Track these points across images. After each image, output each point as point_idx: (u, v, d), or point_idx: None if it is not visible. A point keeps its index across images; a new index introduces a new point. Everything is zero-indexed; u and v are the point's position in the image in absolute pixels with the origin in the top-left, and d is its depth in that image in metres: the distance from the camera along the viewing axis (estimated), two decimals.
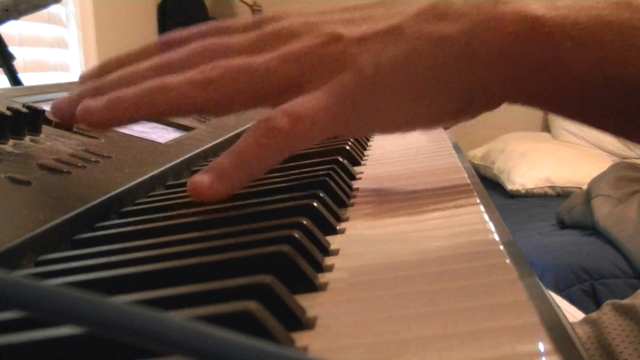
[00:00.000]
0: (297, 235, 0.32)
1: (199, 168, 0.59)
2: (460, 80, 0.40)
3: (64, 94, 0.66)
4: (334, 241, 0.36)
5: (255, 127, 0.40)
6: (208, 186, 0.39)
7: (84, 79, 0.48)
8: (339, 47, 0.41)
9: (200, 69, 0.42)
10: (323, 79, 0.41)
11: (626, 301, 0.74)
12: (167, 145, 0.60)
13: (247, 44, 0.44)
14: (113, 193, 0.44)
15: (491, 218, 0.37)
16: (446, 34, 0.40)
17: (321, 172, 0.47)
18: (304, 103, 0.40)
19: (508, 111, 0.57)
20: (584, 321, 0.74)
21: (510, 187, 2.79)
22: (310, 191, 0.42)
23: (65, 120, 0.45)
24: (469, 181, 0.47)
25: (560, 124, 3.20)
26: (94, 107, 0.43)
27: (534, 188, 2.75)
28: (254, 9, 3.38)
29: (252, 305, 0.23)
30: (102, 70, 0.47)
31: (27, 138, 0.48)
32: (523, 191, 2.76)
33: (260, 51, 0.43)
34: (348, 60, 0.40)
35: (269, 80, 0.42)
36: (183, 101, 0.42)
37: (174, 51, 0.46)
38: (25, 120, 0.48)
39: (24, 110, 0.48)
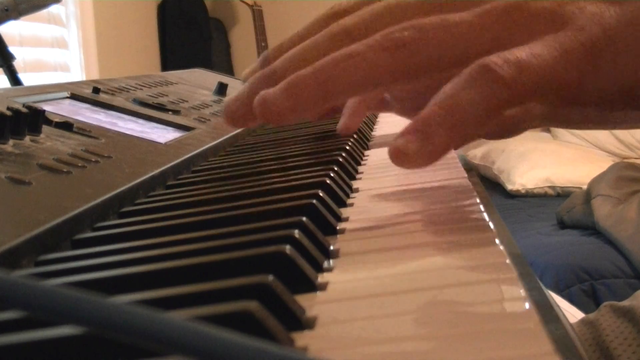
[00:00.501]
0: (297, 235, 0.32)
1: (199, 168, 0.59)
2: None
3: (64, 94, 0.66)
4: (334, 241, 0.36)
5: (471, 74, 0.34)
6: (414, 152, 0.34)
7: (247, 75, 0.43)
8: (552, 3, 0.36)
9: (388, 31, 0.36)
10: (536, 35, 0.35)
11: (624, 303, 0.74)
12: (167, 145, 0.60)
13: (436, 2, 0.38)
14: (113, 193, 0.44)
15: (491, 218, 0.37)
16: None
17: (321, 172, 0.47)
18: (524, 52, 0.34)
19: None
20: (581, 322, 0.74)
21: (510, 187, 2.79)
22: (310, 191, 0.42)
23: (242, 120, 0.40)
24: (469, 181, 0.47)
25: None
26: (273, 97, 0.37)
27: (534, 188, 2.75)
28: (254, 8, 3.38)
29: (252, 305, 0.23)
30: (266, 62, 0.42)
31: (27, 138, 0.48)
32: (523, 191, 2.76)
33: (456, 10, 0.37)
34: (567, 16, 0.35)
35: (473, 41, 0.36)
36: (374, 71, 0.36)
37: (349, 16, 0.39)
38: (25, 120, 0.48)
39: (24, 110, 0.48)
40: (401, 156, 0.34)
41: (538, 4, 0.36)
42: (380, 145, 0.71)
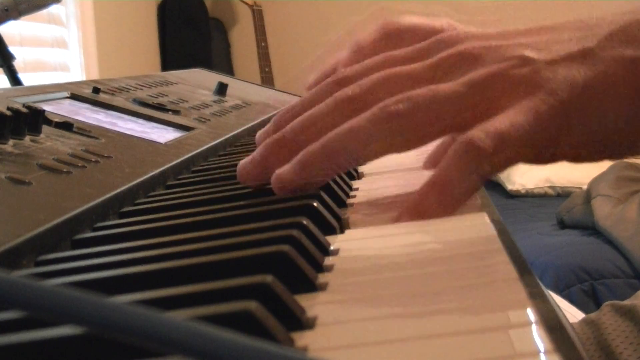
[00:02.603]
0: (297, 235, 0.32)
1: (199, 168, 0.59)
2: None
3: (64, 94, 0.66)
4: (334, 241, 0.36)
5: (456, 151, 0.38)
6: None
7: (260, 137, 0.47)
8: (529, 70, 0.39)
9: (385, 104, 0.40)
10: (514, 103, 0.39)
11: (626, 302, 0.74)
12: (167, 145, 0.60)
13: (428, 71, 0.42)
14: (113, 193, 0.44)
15: (491, 218, 0.37)
16: (638, 57, 0.38)
17: None
18: (503, 122, 0.38)
19: None
20: (583, 322, 0.74)
21: (510, 187, 2.79)
22: (310, 191, 0.42)
23: (254, 182, 0.45)
24: None
25: None
26: (288, 177, 0.42)
27: (534, 188, 2.75)
28: (254, 9, 3.38)
29: (252, 305, 0.23)
30: (277, 126, 0.46)
31: (27, 138, 0.48)
32: (523, 191, 2.76)
33: (445, 78, 0.41)
34: (540, 82, 0.39)
35: (460, 108, 0.40)
36: (375, 143, 0.40)
37: (351, 86, 0.43)
38: (25, 120, 0.48)
39: (24, 110, 0.48)
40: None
41: (517, 71, 0.40)
42: None
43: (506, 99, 0.39)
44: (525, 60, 0.40)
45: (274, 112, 0.94)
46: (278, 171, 0.42)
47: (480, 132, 0.38)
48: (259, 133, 0.49)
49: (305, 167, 0.41)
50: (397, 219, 0.39)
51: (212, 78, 1.05)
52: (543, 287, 0.28)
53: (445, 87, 0.40)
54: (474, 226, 0.36)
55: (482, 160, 0.38)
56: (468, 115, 0.40)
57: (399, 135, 0.40)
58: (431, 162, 0.54)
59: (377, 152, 0.41)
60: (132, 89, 0.79)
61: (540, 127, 0.38)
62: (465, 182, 0.38)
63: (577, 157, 0.41)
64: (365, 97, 0.42)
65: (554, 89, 0.38)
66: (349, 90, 0.43)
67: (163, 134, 0.64)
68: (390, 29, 0.51)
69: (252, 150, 0.66)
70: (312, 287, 0.29)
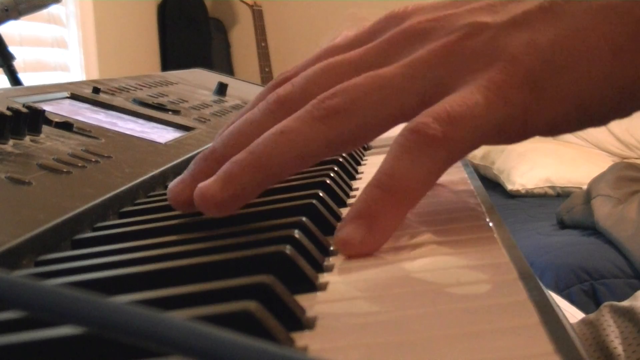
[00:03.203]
0: (297, 235, 0.32)
1: None
2: (637, 49, 0.33)
3: (64, 94, 0.66)
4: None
5: (401, 142, 0.33)
6: (359, 242, 0.32)
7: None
8: (484, 38, 0.34)
9: (318, 99, 0.35)
10: (468, 79, 0.34)
11: (624, 303, 0.74)
12: (167, 145, 0.60)
13: (370, 55, 0.37)
14: (113, 193, 0.44)
15: (491, 218, 0.37)
16: (618, 3, 0.33)
17: (321, 172, 0.47)
18: (454, 102, 0.33)
19: None
20: (581, 322, 0.74)
21: (510, 187, 2.78)
22: (310, 191, 0.42)
23: (185, 206, 0.38)
24: (469, 181, 0.47)
25: None
26: (210, 189, 0.35)
27: (534, 188, 2.75)
28: (254, 8, 3.38)
29: (252, 305, 0.23)
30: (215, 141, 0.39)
31: (27, 138, 0.48)
32: (523, 191, 2.76)
33: (388, 62, 0.36)
34: (497, 50, 0.34)
35: (406, 92, 0.34)
36: (309, 146, 0.35)
37: (283, 86, 0.38)
38: (25, 120, 0.48)
39: (24, 110, 0.48)
40: (350, 248, 0.33)
41: (468, 42, 0.35)
42: (380, 145, 0.71)
43: (459, 76, 0.34)
44: (478, 27, 0.35)
45: None
46: (200, 185, 0.36)
47: (425, 117, 0.33)
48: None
49: (230, 179, 0.35)
50: (340, 230, 0.33)
51: (212, 78, 1.05)
52: (543, 287, 0.28)
53: (385, 71, 0.35)
54: (474, 226, 0.36)
55: (433, 150, 0.32)
56: (416, 101, 0.34)
57: (337, 132, 0.35)
58: None
59: (314, 154, 0.35)
60: (132, 89, 0.79)
61: (502, 101, 0.33)
62: (417, 179, 0.33)
63: (553, 129, 0.35)
64: (299, 95, 0.37)
65: (514, 55, 0.33)
66: (280, 89, 0.38)
67: (163, 134, 0.64)
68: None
69: None
70: (312, 287, 0.29)
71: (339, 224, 0.34)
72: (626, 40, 0.33)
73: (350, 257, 0.33)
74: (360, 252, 0.32)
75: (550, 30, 0.34)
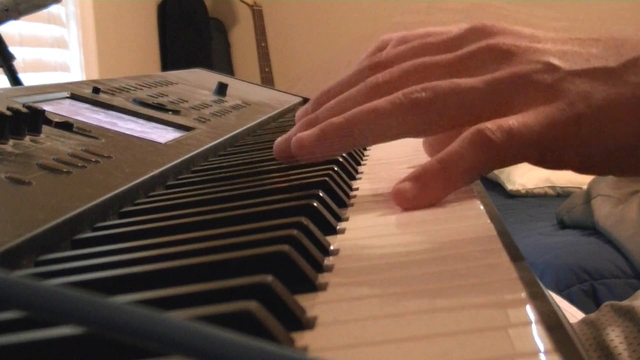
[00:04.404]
0: (297, 235, 0.32)
1: (199, 168, 0.59)
2: None
3: (64, 94, 0.66)
4: (334, 241, 0.36)
5: (468, 137, 0.40)
6: (412, 197, 0.41)
7: (299, 114, 0.51)
8: (552, 78, 0.41)
9: (408, 90, 0.43)
10: (532, 105, 0.40)
11: (625, 302, 0.74)
12: (167, 145, 0.60)
13: (456, 63, 0.44)
14: (113, 193, 0.44)
15: (491, 218, 0.37)
16: None
17: (321, 172, 0.47)
18: (517, 121, 0.40)
19: None
20: (582, 322, 0.74)
21: (510, 187, 2.78)
22: (310, 191, 0.42)
23: (288, 157, 0.48)
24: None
25: None
26: (306, 138, 0.45)
27: (534, 188, 2.75)
28: (254, 8, 3.38)
29: (252, 305, 0.23)
30: (315, 105, 0.49)
31: (27, 138, 0.48)
32: (523, 191, 2.76)
33: (469, 70, 0.43)
34: (561, 91, 0.40)
35: (479, 104, 0.42)
36: (392, 124, 0.43)
37: (382, 73, 0.46)
38: (25, 120, 0.48)
39: (24, 110, 0.48)
40: (401, 197, 0.41)
41: (539, 76, 0.41)
42: (380, 147, 0.71)
43: (524, 101, 0.41)
44: (550, 67, 0.41)
45: (274, 112, 0.94)
46: (300, 134, 0.45)
47: (492, 125, 0.40)
48: (299, 111, 0.53)
49: (324, 134, 0.44)
50: (399, 184, 0.41)
51: (212, 78, 1.05)
52: (543, 287, 0.28)
53: (467, 81, 0.42)
54: (474, 226, 0.36)
55: (489, 152, 0.39)
56: (484, 111, 0.41)
57: (415, 120, 0.42)
58: (430, 143, 0.55)
59: (392, 133, 0.43)
60: (132, 89, 0.79)
61: (551, 133, 0.39)
62: (469, 168, 0.40)
63: (581, 168, 0.42)
64: (394, 84, 0.45)
65: (571, 100, 0.40)
66: (379, 76, 0.46)
67: (163, 134, 0.64)
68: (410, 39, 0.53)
69: (252, 150, 0.67)
70: (312, 287, 0.29)
71: (398, 180, 0.42)
72: None
73: (400, 206, 0.41)
74: (408, 205, 0.41)
75: (605, 90, 0.40)
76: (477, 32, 0.45)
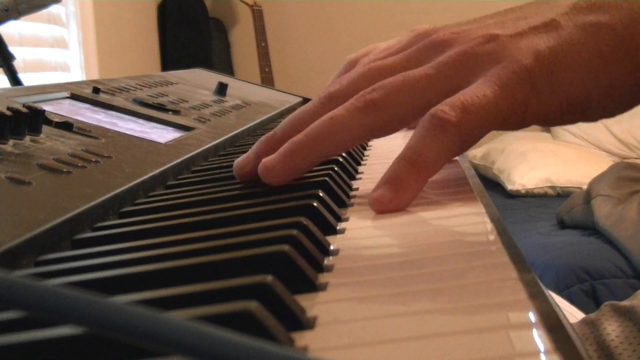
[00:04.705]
0: (297, 235, 0.32)
1: (199, 168, 0.59)
2: (622, 66, 0.40)
3: (64, 94, 0.66)
4: (334, 241, 0.36)
5: (424, 124, 0.40)
6: (390, 201, 0.41)
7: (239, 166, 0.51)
8: (494, 45, 0.42)
9: (360, 94, 0.43)
10: (482, 74, 0.41)
11: (625, 302, 0.74)
12: (167, 145, 0.60)
13: (403, 61, 0.45)
14: (113, 193, 0.44)
15: (491, 218, 0.37)
16: (605, 22, 0.40)
17: (321, 172, 0.47)
18: (467, 94, 0.40)
19: None
20: (582, 322, 0.74)
21: (510, 187, 2.78)
22: (310, 191, 0.42)
23: (248, 177, 0.48)
24: (469, 181, 0.47)
25: None
26: (271, 162, 0.44)
27: (534, 188, 2.75)
28: (254, 8, 3.38)
29: (252, 305, 0.23)
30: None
31: (27, 138, 0.48)
32: (523, 191, 2.76)
33: (418, 66, 0.44)
34: (505, 54, 0.41)
35: (430, 89, 0.42)
36: (354, 130, 0.43)
37: (331, 84, 0.47)
38: (25, 120, 0.48)
39: (24, 110, 0.48)
40: (379, 206, 0.41)
41: (481, 48, 0.42)
42: (379, 146, 0.71)
43: (473, 74, 0.41)
44: (490, 37, 0.42)
45: (274, 112, 0.94)
46: (264, 159, 0.45)
47: (443, 105, 0.40)
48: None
49: (289, 154, 0.44)
50: (374, 192, 0.41)
51: (212, 78, 1.05)
52: (543, 287, 0.28)
53: (415, 71, 0.43)
54: (474, 226, 0.36)
55: (449, 133, 0.40)
56: (438, 94, 0.42)
57: (375, 120, 0.43)
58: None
59: (355, 138, 0.44)
60: (132, 89, 0.79)
61: (506, 94, 0.40)
62: (435, 155, 0.40)
63: (547, 120, 0.42)
64: (345, 91, 0.45)
65: (517, 57, 0.40)
66: (330, 87, 0.47)
67: (163, 134, 0.64)
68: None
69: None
70: (312, 287, 0.29)
71: (373, 188, 0.42)
72: (608, 50, 0.40)
73: (382, 213, 0.41)
74: (388, 209, 0.41)
75: (550, 40, 0.41)
76: (420, 36, 0.47)
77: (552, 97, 0.40)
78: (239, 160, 0.49)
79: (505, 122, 0.41)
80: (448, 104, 0.40)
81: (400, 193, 0.41)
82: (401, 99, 0.42)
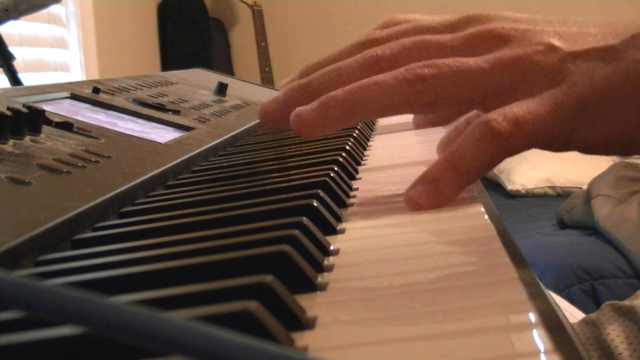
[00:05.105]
0: (297, 235, 0.32)
1: (199, 168, 0.59)
2: None
3: (64, 94, 0.66)
4: (334, 241, 0.36)
5: (474, 130, 0.40)
6: (427, 200, 0.40)
7: (285, 84, 0.49)
8: (554, 59, 0.41)
9: (413, 66, 0.42)
10: (535, 88, 0.40)
11: (625, 302, 0.74)
12: (167, 145, 0.60)
13: (458, 43, 0.44)
14: (113, 193, 0.44)
15: (491, 218, 0.37)
16: None
17: (321, 172, 0.47)
18: (522, 108, 0.39)
19: None
20: (582, 322, 0.74)
21: (510, 187, 2.78)
22: (310, 191, 0.42)
23: (273, 121, 0.46)
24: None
25: None
26: (307, 114, 0.43)
27: (534, 188, 2.75)
28: (254, 8, 3.38)
29: (252, 305, 0.23)
30: (303, 74, 0.48)
31: (27, 138, 0.48)
32: (523, 191, 2.76)
33: (471, 52, 0.43)
34: (563, 73, 0.40)
35: (482, 84, 0.41)
36: (395, 99, 0.42)
37: (381, 47, 0.45)
38: (25, 120, 0.48)
39: (24, 110, 0.48)
40: (415, 205, 0.40)
41: (541, 57, 0.41)
42: (380, 146, 0.71)
43: (527, 82, 0.40)
44: (551, 48, 0.41)
45: None
46: (298, 109, 0.44)
47: (498, 116, 0.39)
48: (285, 80, 0.51)
49: (325, 109, 0.43)
50: (411, 189, 0.40)
51: (212, 78, 1.05)
52: (543, 287, 0.28)
53: (471, 60, 0.42)
54: (474, 226, 0.36)
55: (497, 143, 0.39)
56: (487, 92, 0.41)
57: (418, 97, 0.42)
58: (443, 146, 0.54)
59: (395, 108, 0.42)
60: (132, 89, 0.79)
61: (557, 118, 0.39)
62: (479, 162, 0.40)
63: (587, 149, 0.42)
64: (394, 58, 0.44)
65: (574, 81, 0.40)
66: (378, 49, 0.45)
67: (163, 134, 0.64)
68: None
69: (252, 150, 0.67)
70: (312, 287, 0.29)
71: (409, 186, 0.41)
72: None
73: (414, 211, 0.40)
74: (423, 209, 0.40)
75: (607, 69, 0.40)
76: (473, 19, 0.45)
77: (599, 130, 0.40)
78: (266, 102, 0.47)
79: (550, 144, 0.40)
80: (502, 115, 0.39)
81: (437, 195, 0.40)
82: (451, 84, 0.41)
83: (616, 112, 0.39)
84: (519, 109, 0.39)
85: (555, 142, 0.40)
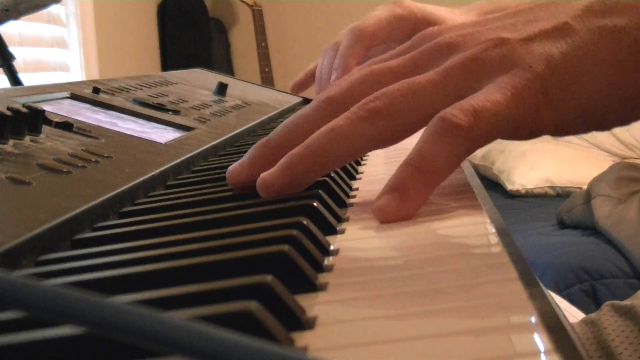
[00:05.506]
0: (297, 235, 0.32)
1: (199, 168, 0.59)
2: (637, 71, 0.38)
3: (64, 94, 0.66)
4: (334, 241, 0.36)
5: (432, 129, 0.38)
6: (395, 210, 0.38)
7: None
8: (505, 50, 0.40)
9: (364, 102, 0.41)
10: (493, 80, 0.39)
11: (625, 302, 0.74)
12: (167, 145, 0.60)
13: (407, 65, 0.43)
14: (113, 193, 0.44)
15: (491, 218, 0.37)
16: (620, 26, 0.38)
17: None
18: (478, 98, 0.38)
19: None
20: (583, 322, 0.74)
21: (510, 187, 2.78)
22: (310, 191, 0.42)
23: (241, 186, 0.45)
24: (469, 181, 0.47)
25: None
26: (272, 180, 0.42)
27: (534, 188, 2.75)
28: (254, 8, 3.38)
29: (252, 305, 0.23)
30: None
31: (27, 138, 0.48)
32: (523, 191, 2.76)
33: (423, 70, 0.42)
34: (516, 60, 0.39)
35: (436, 95, 0.40)
36: (357, 142, 0.41)
37: (332, 87, 0.44)
38: (25, 120, 0.48)
39: (24, 110, 0.48)
40: (383, 215, 0.39)
41: (490, 52, 0.40)
42: None
43: (484, 79, 0.39)
44: (500, 41, 0.40)
45: (274, 112, 0.94)
46: (263, 175, 0.43)
47: (454, 109, 0.38)
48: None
49: (289, 169, 0.42)
50: (378, 200, 0.39)
51: (212, 78, 1.05)
52: (543, 287, 0.28)
53: (420, 77, 0.41)
54: (474, 226, 0.36)
55: (458, 136, 0.38)
56: (447, 101, 0.39)
57: (379, 130, 0.40)
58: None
59: (361, 149, 0.42)
60: (132, 89, 0.79)
61: (518, 102, 0.38)
62: (443, 160, 0.38)
63: (559, 131, 0.40)
64: (345, 96, 0.43)
65: (529, 63, 0.38)
66: (329, 90, 0.44)
67: (163, 134, 0.64)
68: (398, 14, 0.52)
69: None
70: (312, 287, 0.29)
71: (377, 196, 0.39)
72: (626, 57, 0.38)
73: (386, 222, 0.39)
74: (394, 219, 0.39)
75: (562, 45, 0.39)
76: (424, 38, 0.45)
77: (566, 107, 0.39)
78: (232, 168, 0.46)
79: (516, 131, 0.39)
80: (458, 108, 0.38)
81: (405, 202, 0.38)
82: (406, 107, 0.40)
83: (580, 87, 0.38)
84: (475, 100, 0.38)
85: (521, 129, 0.39)
